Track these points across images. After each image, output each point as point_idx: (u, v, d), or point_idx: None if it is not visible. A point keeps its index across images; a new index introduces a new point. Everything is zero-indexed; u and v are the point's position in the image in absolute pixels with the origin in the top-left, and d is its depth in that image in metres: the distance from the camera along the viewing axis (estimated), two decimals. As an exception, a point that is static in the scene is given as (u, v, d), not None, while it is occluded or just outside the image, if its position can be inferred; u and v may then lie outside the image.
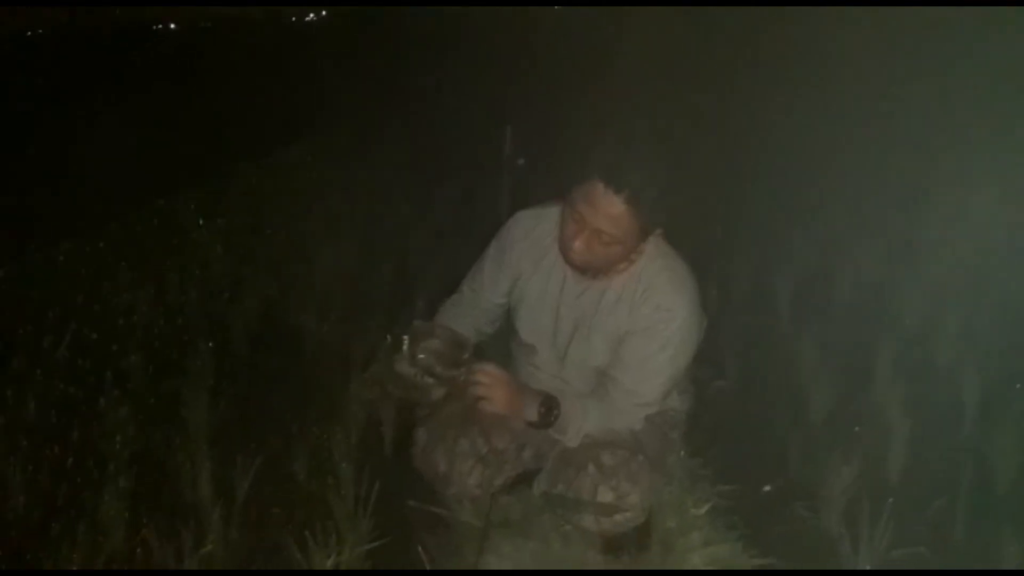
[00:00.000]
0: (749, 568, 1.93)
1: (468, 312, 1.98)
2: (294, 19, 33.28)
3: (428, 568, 1.84)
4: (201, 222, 4.09)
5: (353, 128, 5.60)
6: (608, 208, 1.61)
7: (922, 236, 3.67)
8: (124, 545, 1.92)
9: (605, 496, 1.75)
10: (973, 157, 4.29)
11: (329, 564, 1.76)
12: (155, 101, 5.61)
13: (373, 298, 3.34)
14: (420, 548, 1.86)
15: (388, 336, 1.75)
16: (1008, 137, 4.32)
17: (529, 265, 1.90)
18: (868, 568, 1.86)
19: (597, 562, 1.89)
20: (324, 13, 33.77)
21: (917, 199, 4.12)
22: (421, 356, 1.67)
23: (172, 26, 27.96)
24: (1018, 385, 2.52)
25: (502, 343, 2.03)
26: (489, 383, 1.69)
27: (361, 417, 2.40)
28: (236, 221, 4.11)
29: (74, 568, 1.82)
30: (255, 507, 2.04)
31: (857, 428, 2.47)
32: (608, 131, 1.71)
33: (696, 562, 1.90)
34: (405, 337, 1.71)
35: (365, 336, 2.89)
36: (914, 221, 3.87)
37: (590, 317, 1.83)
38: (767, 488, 2.33)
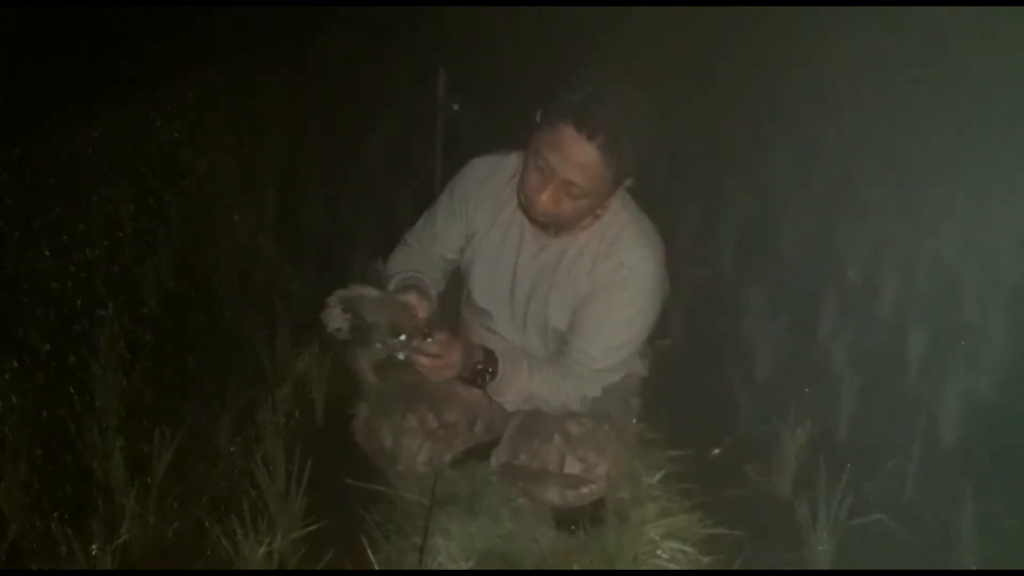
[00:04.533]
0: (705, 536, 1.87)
1: (422, 266, 1.79)
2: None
3: (369, 552, 1.70)
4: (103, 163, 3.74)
5: (275, 60, 5.19)
6: (579, 156, 1.45)
7: (866, 190, 3.66)
8: (24, 537, 1.72)
9: (572, 467, 1.64)
10: (918, 112, 4.30)
11: (260, 552, 1.60)
12: (40, 21, 4.99)
13: (299, 251, 3.12)
14: (361, 535, 1.71)
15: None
16: (953, 91, 4.34)
17: (485, 219, 1.73)
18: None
19: (550, 538, 1.79)
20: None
21: (860, 152, 4.10)
22: (371, 320, 1.49)
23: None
24: (963, 343, 2.51)
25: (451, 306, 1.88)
26: (442, 351, 1.52)
27: (290, 384, 2.22)
28: (139, 167, 3.78)
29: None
30: (175, 488, 1.86)
31: (807, 389, 2.43)
32: (578, 71, 1.54)
33: (653, 535, 1.82)
34: (337, 299, 1.54)
35: (291, 294, 2.70)
36: (858, 175, 3.85)
37: (549, 276, 1.68)
38: (716, 451, 2.28)
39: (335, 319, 1.54)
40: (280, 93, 4.84)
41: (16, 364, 2.19)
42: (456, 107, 3.16)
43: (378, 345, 1.49)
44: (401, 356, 1.51)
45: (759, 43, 5.25)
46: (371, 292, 1.55)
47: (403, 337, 1.48)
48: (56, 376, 2.24)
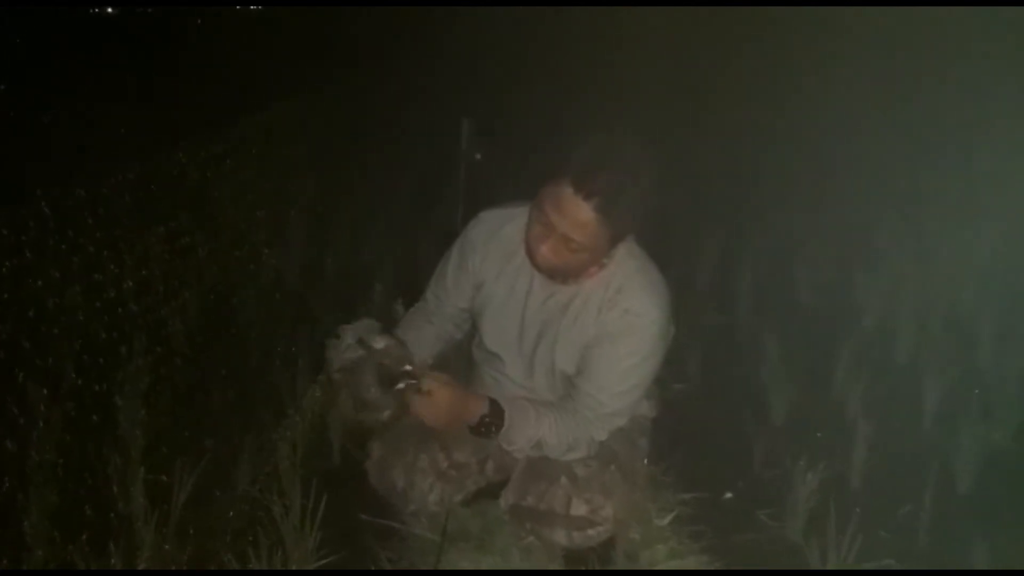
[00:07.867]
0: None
1: (433, 319, 1.85)
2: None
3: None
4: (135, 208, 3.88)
5: (303, 111, 5.39)
6: (577, 214, 1.50)
7: (882, 237, 3.66)
8: (47, 562, 1.76)
9: (578, 509, 1.67)
10: (935, 159, 4.32)
11: (274, 584, 1.64)
12: (88, 77, 5.27)
13: (322, 295, 3.20)
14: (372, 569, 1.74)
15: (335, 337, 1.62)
16: (971, 138, 4.36)
17: (494, 268, 1.78)
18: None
19: (559, 577, 1.81)
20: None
21: (876, 198, 4.12)
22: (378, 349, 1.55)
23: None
24: (976, 390, 2.50)
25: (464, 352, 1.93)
26: (432, 388, 1.57)
27: (308, 422, 2.27)
28: (173, 208, 3.90)
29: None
30: (192, 519, 1.90)
31: (819, 434, 2.43)
32: (584, 133, 1.59)
33: (662, 575, 1.83)
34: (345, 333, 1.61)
35: (313, 336, 2.76)
36: (874, 221, 3.87)
37: (556, 323, 1.72)
38: (728, 495, 2.28)
39: (342, 350, 1.60)
40: (308, 141, 5.00)
41: (46, 393, 2.26)
42: (478, 156, 3.25)
43: (372, 388, 1.56)
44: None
45: (778, 89, 5.33)
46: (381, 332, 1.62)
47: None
48: (82, 406, 2.31)
